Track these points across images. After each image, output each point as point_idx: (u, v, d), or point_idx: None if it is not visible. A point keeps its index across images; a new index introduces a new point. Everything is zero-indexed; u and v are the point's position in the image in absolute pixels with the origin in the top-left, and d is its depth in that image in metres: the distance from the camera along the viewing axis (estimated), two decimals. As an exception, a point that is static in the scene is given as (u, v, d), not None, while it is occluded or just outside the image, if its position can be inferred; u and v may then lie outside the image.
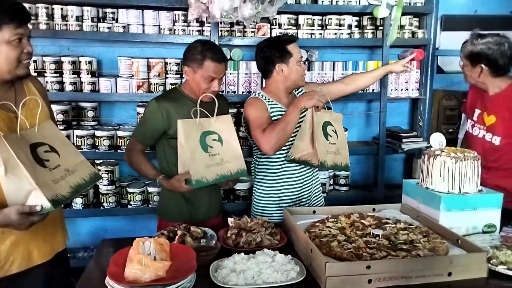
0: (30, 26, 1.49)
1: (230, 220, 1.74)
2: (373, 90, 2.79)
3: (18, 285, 1.47)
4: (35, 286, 1.55)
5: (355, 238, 1.60)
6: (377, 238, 1.60)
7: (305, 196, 2.16)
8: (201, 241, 1.63)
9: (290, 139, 2.00)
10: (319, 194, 2.27)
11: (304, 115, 1.99)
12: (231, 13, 2.09)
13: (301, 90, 2.18)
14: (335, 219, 1.79)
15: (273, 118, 2.03)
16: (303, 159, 2.00)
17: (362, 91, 2.70)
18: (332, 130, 2.03)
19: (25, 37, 1.45)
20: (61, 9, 2.45)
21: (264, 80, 2.17)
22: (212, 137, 1.83)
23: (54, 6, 2.45)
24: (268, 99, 2.06)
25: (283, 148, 2.02)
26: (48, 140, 1.46)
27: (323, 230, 1.68)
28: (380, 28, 2.74)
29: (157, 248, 1.34)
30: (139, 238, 1.37)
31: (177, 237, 1.59)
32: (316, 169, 2.22)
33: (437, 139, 1.99)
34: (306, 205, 2.15)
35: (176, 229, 1.67)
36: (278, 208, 2.10)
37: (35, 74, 2.39)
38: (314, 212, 1.91)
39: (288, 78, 2.05)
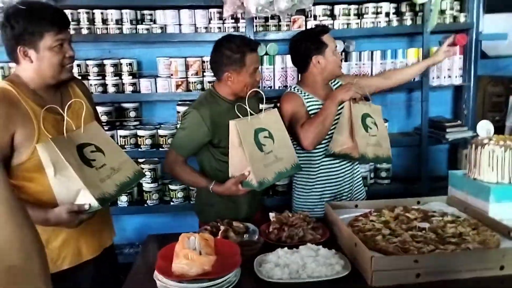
0: (70, 31, 1.55)
1: (272, 215, 1.75)
2: (414, 79, 2.70)
3: (69, 280, 1.53)
4: (85, 281, 1.62)
5: (400, 232, 1.56)
6: (424, 231, 1.56)
7: (346, 190, 2.13)
8: (244, 236, 1.65)
9: (329, 133, 1.98)
10: (361, 188, 2.24)
11: (342, 108, 1.96)
12: (266, 7, 2.08)
13: (337, 82, 2.16)
14: (379, 213, 1.75)
15: (310, 112, 2.01)
16: (343, 152, 1.98)
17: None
18: (372, 122, 1.99)
19: (66, 42, 1.49)
20: (101, 13, 2.52)
21: (299, 75, 2.15)
22: (263, 134, 1.79)
23: (94, 10, 2.53)
24: (305, 93, 2.04)
25: (322, 142, 2.00)
26: (93, 141, 1.51)
27: (367, 224, 1.65)
28: (419, 14, 2.65)
29: (202, 243, 1.37)
30: (185, 233, 1.41)
31: (220, 232, 1.61)
32: (357, 162, 2.19)
33: (485, 127, 1.91)
34: (347, 199, 2.13)
35: (219, 224, 1.70)
36: (320, 203, 2.08)
37: (80, 77, 2.49)
38: (356, 206, 1.88)
39: (325, 69, 2.02)
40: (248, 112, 1.76)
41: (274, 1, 2.08)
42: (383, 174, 2.80)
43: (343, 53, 2.68)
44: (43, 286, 0.53)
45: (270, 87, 2.61)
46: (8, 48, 1.46)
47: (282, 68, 2.60)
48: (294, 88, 2.08)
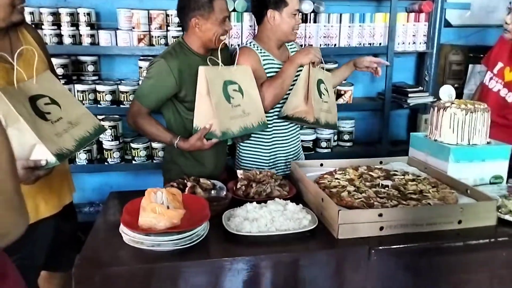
0: None
1: (239, 172, 1.74)
2: (380, 43, 2.72)
3: (26, 238, 1.46)
4: (44, 238, 1.56)
5: (365, 188, 1.60)
6: (387, 188, 1.61)
7: (293, 153, 2.13)
8: (211, 192, 1.63)
9: (284, 97, 1.96)
10: (301, 151, 2.26)
11: (300, 71, 1.94)
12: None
13: (295, 47, 2.13)
14: (343, 171, 1.79)
15: (266, 71, 1.96)
16: (296, 116, 1.95)
17: (369, 45, 2.66)
18: (324, 89, 1.99)
19: None
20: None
21: (257, 27, 2.07)
22: (232, 87, 1.75)
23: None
24: (261, 49, 1.98)
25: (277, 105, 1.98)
26: (47, 92, 1.40)
27: (332, 181, 1.68)
28: (388, -22, 2.64)
29: (169, 197, 1.33)
30: (151, 188, 1.37)
31: (187, 188, 1.58)
32: (299, 128, 2.19)
33: (447, 92, 1.97)
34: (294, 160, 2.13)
35: (185, 181, 1.67)
36: (269, 163, 2.08)
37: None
38: (321, 165, 1.90)
39: (278, 28, 1.94)
40: (220, 63, 1.71)
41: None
42: (346, 137, 2.85)
43: (312, 14, 2.64)
44: (9, 178, 0.48)
45: (238, 45, 2.53)
46: None
47: (250, 26, 2.53)
48: (250, 43, 2.01)
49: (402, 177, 1.73)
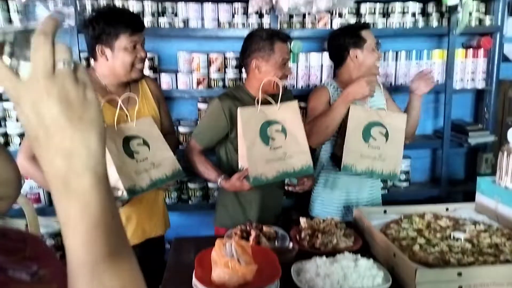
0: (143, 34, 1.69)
1: (303, 221, 1.72)
2: (437, 81, 2.66)
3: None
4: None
5: (436, 241, 1.54)
6: (459, 241, 1.54)
7: (365, 197, 2.12)
8: (275, 242, 1.62)
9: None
10: (378, 193, 2.22)
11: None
12: (302, 5, 2.02)
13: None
14: (409, 220, 1.73)
15: None
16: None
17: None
18: (380, 132, 1.86)
19: (139, 43, 1.64)
20: (122, 5, 2.45)
21: (335, 71, 2.16)
22: (274, 128, 1.73)
23: (115, 1, 2.45)
24: (337, 88, 2.00)
25: None
26: (142, 134, 1.61)
27: (400, 231, 1.63)
28: (445, 14, 2.60)
29: (239, 250, 1.33)
30: (219, 239, 1.37)
31: (252, 238, 1.57)
32: None
33: (516, 134, 1.89)
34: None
35: (248, 228, 1.66)
36: (337, 210, 2.05)
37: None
38: (385, 211, 1.85)
39: (363, 64, 1.98)
40: (257, 104, 1.71)
41: (314, 0, 2.02)
42: (402, 176, 2.76)
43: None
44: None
45: (293, 86, 2.56)
46: (89, 46, 1.64)
47: (305, 67, 2.55)
48: (328, 83, 2.04)
49: (473, 227, 1.65)
